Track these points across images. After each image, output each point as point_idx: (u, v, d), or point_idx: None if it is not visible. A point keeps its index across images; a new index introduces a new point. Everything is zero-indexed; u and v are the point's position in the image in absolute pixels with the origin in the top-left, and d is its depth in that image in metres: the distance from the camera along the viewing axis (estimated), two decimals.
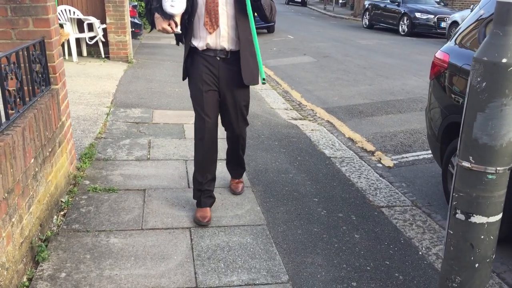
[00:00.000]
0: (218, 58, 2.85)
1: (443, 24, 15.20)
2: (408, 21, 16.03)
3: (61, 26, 8.18)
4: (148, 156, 4.12)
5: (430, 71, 3.72)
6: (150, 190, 3.45)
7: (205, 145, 2.98)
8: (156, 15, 2.68)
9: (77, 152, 3.99)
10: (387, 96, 7.17)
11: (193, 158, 4.12)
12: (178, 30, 2.69)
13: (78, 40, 8.56)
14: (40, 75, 3.01)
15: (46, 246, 2.63)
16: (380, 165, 4.52)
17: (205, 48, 2.83)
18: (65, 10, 8.37)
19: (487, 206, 1.70)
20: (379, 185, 3.89)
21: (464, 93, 3.15)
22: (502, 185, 1.68)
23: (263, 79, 2.58)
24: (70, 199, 3.21)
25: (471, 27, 3.40)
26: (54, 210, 2.98)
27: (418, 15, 15.76)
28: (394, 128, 5.64)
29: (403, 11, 16.31)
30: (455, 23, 13.78)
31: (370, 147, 5.01)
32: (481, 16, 3.32)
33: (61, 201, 3.15)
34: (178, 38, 2.97)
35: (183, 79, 3.04)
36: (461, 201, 1.75)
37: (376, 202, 3.53)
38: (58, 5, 8.36)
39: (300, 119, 5.89)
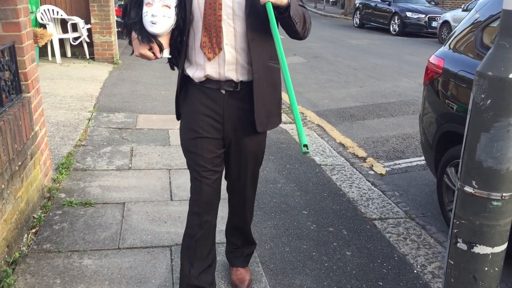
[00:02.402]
0: (224, 92, 2.00)
1: (434, 24, 15.11)
2: (399, 20, 15.91)
3: (44, 26, 7.94)
4: (130, 165, 3.92)
5: (424, 76, 3.56)
6: (130, 203, 3.25)
7: (202, 226, 2.10)
8: (133, 34, 1.90)
9: (54, 162, 3.79)
10: (378, 98, 7.02)
11: (177, 167, 3.98)
12: (165, 54, 1.94)
13: (61, 41, 8.31)
14: (9, 83, 2.81)
15: (13, 269, 2.43)
16: (372, 172, 4.36)
17: (203, 79, 1.99)
18: (48, 9, 8.12)
19: (491, 235, 1.54)
20: (371, 195, 3.73)
21: (460, 101, 3.00)
22: (508, 213, 1.52)
23: (305, 145, 1.51)
24: (43, 215, 3.01)
25: (466, 31, 3.25)
26: (25, 228, 2.78)
27: (409, 14, 15.66)
28: (386, 133, 5.48)
29: (394, 11, 16.19)
30: (446, 23, 13.70)
31: (361, 153, 4.85)
32: (476, 19, 3.16)
33: (33, 217, 2.95)
34: (173, 62, 2.12)
35: (177, 118, 2.21)
36: (463, 229, 1.58)
37: (368, 214, 3.36)
38: (40, 5, 8.11)
39: (290, 123, 5.72)
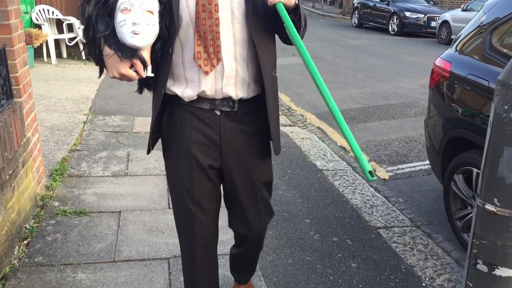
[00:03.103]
0: (219, 113, 1.68)
1: (433, 24, 15.01)
2: (398, 20, 15.82)
3: (39, 27, 7.81)
4: (126, 171, 3.80)
5: (429, 79, 3.45)
6: (126, 212, 3.14)
7: (198, 272, 1.87)
8: (107, 50, 1.48)
9: (47, 168, 3.67)
10: (379, 100, 6.92)
11: None
12: (149, 72, 1.56)
13: (57, 41, 8.18)
14: None
15: (4, 285, 2.31)
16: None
17: (195, 98, 1.65)
18: (43, 10, 7.99)
19: None
20: (375, 201, 3.62)
21: (468, 106, 2.89)
22: None
23: (369, 172, 1.40)
24: (36, 225, 2.89)
25: (473, 32, 3.14)
26: (16, 239, 2.66)
27: (408, 14, 15.56)
28: (388, 136, 5.38)
29: (392, 10, 16.09)
30: (445, 23, 13.61)
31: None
32: (484, 21, 3.06)
33: (25, 227, 2.83)
34: (143, 82, 1.71)
35: (148, 151, 1.83)
36: (483, 250, 1.47)
37: (373, 223, 3.26)
38: (35, 5, 7.98)
39: (290, 125, 5.61)
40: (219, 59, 1.58)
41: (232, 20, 1.58)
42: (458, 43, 3.24)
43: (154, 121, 1.72)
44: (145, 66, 1.52)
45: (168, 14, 1.54)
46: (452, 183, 3.11)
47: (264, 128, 1.74)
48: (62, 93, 6.06)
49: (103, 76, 1.62)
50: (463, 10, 13.01)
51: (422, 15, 15.39)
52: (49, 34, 7.84)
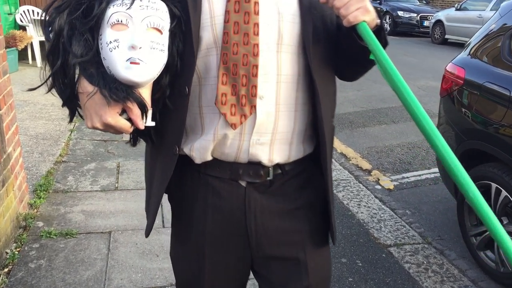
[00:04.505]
0: (244, 184, 1.15)
1: (426, 23, 14.87)
2: (390, 19, 15.66)
3: (24, 28, 7.50)
4: (116, 185, 3.55)
5: (440, 86, 3.24)
6: (117, 232, 2.89)
7: None
8: (85, 86, 0.96)
9: (31, 183, 3.41)
10: (378, 103, 6.72)
11: None
12: (150, 121, 1.03)
13: (42, 43, 7.85)
14: None
15: None
16: (379, 187, 4.04)
17: (208, 159, 1.14)
18: (27, 10, 7.69)
19: None
20: (382, 215, 3.41)
21: (487, 116, 2.69)
22: None
23: None
24: (18, 250, 2.63)
25: (489, 37, 2.94)
26: None
27: (400, 13, 15.41)
28: (390, 142, 5.18)
29: (385, 10, 15.94)
30: (439, 22, 13.47)
31: (366, 164, 4.53)
32: (498, 26, 2.85)
33: (6, 253, 2.58)
34: (141, 132, 1.09)
35: (147, 233, 1.27)
36: None
37: (382, 240, 3.04)
38: (19, 6, 7.67)
39: None
40: (254, 107, 1.06)
41: (278, 47, 1.06)
42: (472, 48, 3.03)
43: (165, 188, 1.15)
44: (144, 111, 0.99)
45: (183, 33, 1.03)
46: None
47: (315, 202, 1.21)
48: (47, 99, 5.77)
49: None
50: (456, 10, 12.88)
51: (415, 15, 15.24)
52: (34, 35, 7.53)
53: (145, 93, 1.00)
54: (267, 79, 1.07)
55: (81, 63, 0.95)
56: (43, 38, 7.65)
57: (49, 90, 1.02)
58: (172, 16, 1.00)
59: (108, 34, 0.95)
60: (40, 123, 4.84)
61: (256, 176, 1.14)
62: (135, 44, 0.92)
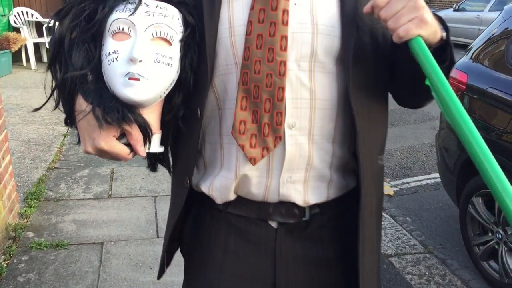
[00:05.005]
0: (275, 226, 0.96)
1: None
2: None
3: (18, 30, 7.40)
4: (110, 193, 3.46)
5: None
6: (109, 243, 2.80)
7: None
8: (81, 103, 0.83)
9: (22, 191, 3.32)
10: None
11: (164, 193, 3.53)
12: (155, 146, 0.89)
13: (37, 45, 7.76)
14: None
15: None
16: None
17: (231, 199, 0.96)
18: (21, 12, 7.58)
19: None
20: (382, 222, 3.30)
21: (490, 123, 2.61)
22: None
23: None
24: (6, 263, 2.54)
25: (491, 40, 2.86)
26: None
27: None
28: (389, 146, 5.09)
29: None
30: None
31: None
32: (501, 30, 2.78)
33: None
34: (157, 156, 0.99)
35: (159, 275, 1.12)
36: None
37: (383, 249, 2.96)
38: (13, 7, 7.57)
39: None
40: (279, 138, 0.88)
41: (311, 65, 0.87)
42: (474, 52, 2.96)
43: (174, 225, 1.01)
44: (147, 135, 0.85)
45: (198, 45, 0.88)
46: (469, 205, 2.83)
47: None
48: (41, 102, 5.61)
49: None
50: (454, 10, 12.83)
51: None
52: (28, 37, 7.43)
53: (151, 114, 0.85)
54: (297, 104, 0.88)
55: (79, 78, 0.83)
56: (37, 40, 7.58)
57: (56, 106, 0.89)
58: (186, 24, 0.86)
59: (108, 44, 0.82)
60: (33, 127, 4.74)
61: (290, 216, 0.94)
62: (134, 57, 0.79)
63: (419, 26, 0.77)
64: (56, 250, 2.70)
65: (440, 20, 0.83)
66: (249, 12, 0.85)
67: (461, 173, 2.89)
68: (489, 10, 10.94)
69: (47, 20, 7.67)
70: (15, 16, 7.47)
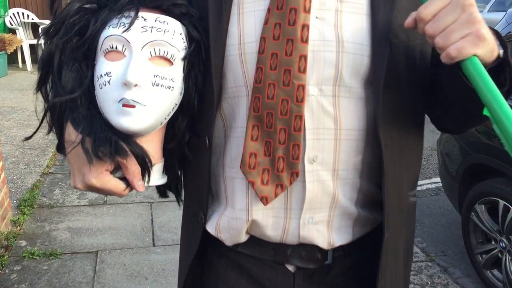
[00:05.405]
0: (292, 270, 0.84)
1: None
2: None
3: (13, 31, 7.33)
4: (105, 199, 3.40)
5: None
6: (104, 252, 2.74)
7: None
8: (70, 133, 0.72)
9: (15, 197, 3.25)
10: None
11: (160, 200, 3.47)
12: (155, 179, 0.77)
13: (33, 47, 7.69)
14: None
15: None
16: None
17: (242, 240, 0.83)
18: (17, 13, 7.51)
19: None
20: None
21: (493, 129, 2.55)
22: None
23: None
24: None
25: None
26: None
27: None
28: None
29: None
30: None
31: None
32: (509, 32, 2.72)
33: None
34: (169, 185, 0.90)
35: None
36: None
37: None
38: (9, 8, 7.50)
39: None
40: (296, 174, 0.75)
41: (335, 90, 0.75)
42: None
43: (187, 268, 0.88)
44: (145, 168, 0.74)
45: (203, 63, 0.77)
46: (472, 213, 2.77)
47: None
48: (36, 105, 5.60)
49: None
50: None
51: None
52: (24, 39, 7.36)
53: (151, 142, 0.75)
54: (319, 135, 0.76)
55: (69, 102, 0.72)
56: (33, 41, 7.51)
57: (49, 131, 0.78)
58: (190, 39, 0.75)
59: (100, 65, 0.72)
60: (28, 131, 4.67)
61: (310, 260, 0.82)
62: (129, 81, 0.68)
63: (475, 44, 0.62)
64: (49, 259, 2.63)
65: (497, 35, 0.68)
66: (262, 26, 0.74)
67: (464, 180, 2.84)
68: (488, 11, 10.89)
69: (43, 21, 7.63)
70: (10, 17, 7.40)
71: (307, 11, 0.72)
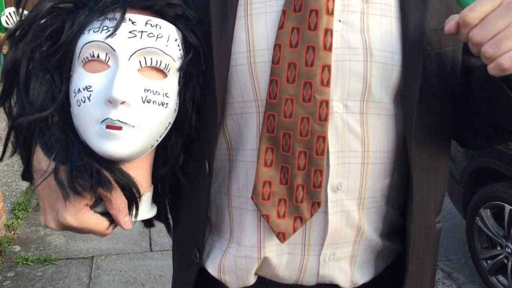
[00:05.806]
0: None
1: None
2: None
3: None
4: None
5: None
6: (100, 257, 2.67)
7: None
8: (39, 158, 0.58)
9: (10, 200, 3.19)
10: None
11: None
12: (144, 213, 0.65)
13: None
14: None
15: None
16: None
17: (251, 283, 0.71)
18: (13, 12, 7.43)
19: None
20: None
21: None
22: None
23: None
24: None
25: None
26: None
27: None
28: None
29: None
30: None
31: None
32: None
33: None
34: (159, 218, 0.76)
35: None
36: None
37: None
38: (5, 7, 7.43)
39: None
40: (317, 204, 0.65)
41: (363, 105, 0.65)
42: None
43: None
44: (133, 200, 0.62)
45: (203, 73, 0.66)
46: (477, 217, 2.71)
47: None
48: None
49: None
50: None
51: None
52: None
53: (139, 169, 0.62)
54: (344, 159, 0.65)
55: (39, 120, 0.58)
56: None
57: (13, 153, 0.63)
58: (187, 46, 0.64)
59: (78, 77, 0.59)
60: None
61: None
62: (115, 97, 0.55)
63: None
64: (44, 265, 2.57)
65: None
66: (276, 31, 0.62)
67: (468, 184, 2.79)
68: None
69: None
70: (7, 16, 7.32)
71: (331, 13, 0.61)
